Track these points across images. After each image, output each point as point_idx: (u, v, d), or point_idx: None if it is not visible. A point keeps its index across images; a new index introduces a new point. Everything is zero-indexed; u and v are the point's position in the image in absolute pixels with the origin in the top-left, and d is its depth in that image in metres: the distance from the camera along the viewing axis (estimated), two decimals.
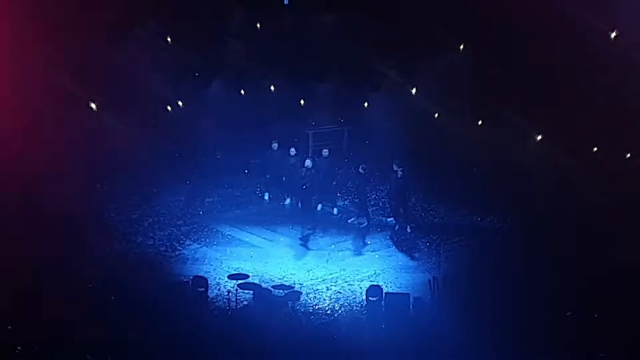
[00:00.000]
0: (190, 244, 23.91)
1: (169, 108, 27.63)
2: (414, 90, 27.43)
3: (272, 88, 28.60)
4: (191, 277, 21.11)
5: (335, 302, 20.92)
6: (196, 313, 19.93)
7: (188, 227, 24.90)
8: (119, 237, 23.85)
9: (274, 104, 28.97)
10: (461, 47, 26.14)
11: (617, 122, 24.70)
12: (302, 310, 20.44)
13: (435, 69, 26.87)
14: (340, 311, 20.52)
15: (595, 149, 25.42)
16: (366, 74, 27.17)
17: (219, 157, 29.30)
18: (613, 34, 24.27)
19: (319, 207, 26.15)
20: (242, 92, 28.55)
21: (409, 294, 20.53)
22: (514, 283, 20.52)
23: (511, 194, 25.41)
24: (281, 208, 26.58)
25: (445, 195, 26.88)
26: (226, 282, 21.18)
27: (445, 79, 26.95)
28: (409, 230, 24.83)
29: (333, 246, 24.13)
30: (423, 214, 26.15)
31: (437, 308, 20.22)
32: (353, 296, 21.16)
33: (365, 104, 28.92)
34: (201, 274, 21.51)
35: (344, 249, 23.96)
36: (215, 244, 24.00)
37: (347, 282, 21.96)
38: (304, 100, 28.98)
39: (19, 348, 17.69)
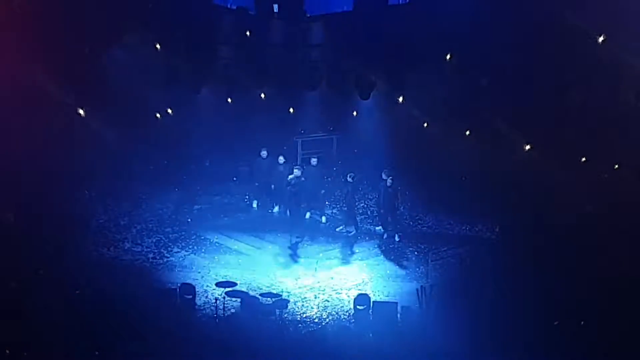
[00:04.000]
0: (178, 251, 23.91)
1: (158, 115, 27.58)
2: (401, 99, 27.39)
3: (262, 96, 28.54)
4: (179, 285, 21.10)
5: (323, 310, 20.93)
6: (184, 320, 19.90)
7: (176, 235, 24.90)
8: (107, 244, 23.81)
9: (263, 111, 28.95)
10: (448, 57, 26.13)
11: (605, 131, 24.75)
12: (290, 318, 20.44)
13: (424, 79, 26.86)
14: (328, 320, 20.53)
15: (583, 158, 25.42)
16: (355, 82, 27.15)
17: (207, 164, 29.27)
18: (601, 38, 24.28)
19: (308, 215, 26.18)
20: (229, 100, 28.52)
21: (396, 302, 20.58)
22: (502, 292, 20.55)
23: (499, 203, 25.45)
24: (270, 216, 26.58)
25: (434, 204, 26.97)
26: (214, 289, 21.16)
27: (434, 88, 26.97)
28: (397, 239, 24.87)
29: (321, 254, 24.14)
30: (411, 223, 26.23)
31: (425, 317, 20.26)
32: (341, 305, 21.17)
33: (355, 113, 28.93)
34: (189, 281, 21.52)
35: (332, 258, 23.99)
36: (203, 252, 24.00)
37: (335, 290, 21.97)
38: (293, 109, 28.99)
39: (7, 351, 17.62)
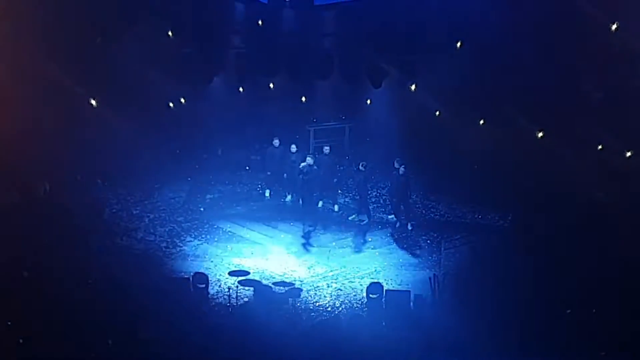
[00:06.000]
0: (191, 241, 23.97)
1: (171, 105, 27.60)
2: (414, 87, 27.29)
3: (272, 85, 28.52)
4: (192, 274, 21.15)
5: (335, 299, 20.97)
6: (197, 309, 19.95)
7: (189, 224, 24.95)
8: (120, 233, 23.86)
9: (275, 100, 28.95)
10: (458, 44, 26.03)
11: (618, 119, 24.65)
12: (303, 307, 20.48)
13: (436, 67, 26.79)
14: (340, 308, 20.56)
15: (600, 147, 25.26)
16: (368, 71, 27.11)
17: (220, 153, 29.29)
18: (614, 26, 24.16)
19: (320, 204, 26.17)
20: (241, 89, 28.53)
21: (409, 291, 20.60)
22: (514, 281, 20.52)
23: (512, 191, 25.38)
24: (282, 205, 26.59)
25: (446, 192, 26.90)
26: (227, 278, 21.21)
27: (447, 76, 26.88)
28: (409, 227, 24.86)
29: (334, 243, 24.16)
30: (424, 211, 26.20)
31: (438, 305, 20.27)
32: (353, 293, 21.21)
33: (368, 101, 28.88)
34: (202, 270, 21.58)
35: (345, 246, 24.01)
36: (216, 241, 24.05)
37: (347, 279, 22.00)
38: (306, 97, 28.96)
39: (21, 340, 17.72)
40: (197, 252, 23.36)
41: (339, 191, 27.02)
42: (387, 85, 27.32)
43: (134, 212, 25.31)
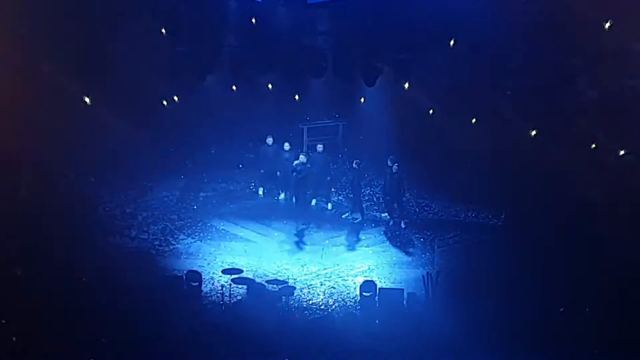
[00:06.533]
0: (185, 239, 23.95)
1: (164, 103, 27.57)
2: (407, 86, 27.27)
3: (269, 86, 28.52)
4: (185, 272, 21.13)
5: (329, 297, 20.97)
6: (190, 308, 19.93)
7: (182, 222, 24.93)
8: (113, 231, 23.83)
9: (269, 99, 28.92)
10: (452, 42, 26.00)
11: (612, 119, 24.67)
12: (296, 305, 20.49)
13: (430, 65, 26.79)
14: (334, 306, 20.57)
15: (593, 145, 25.27)
16: (361, 69, 27.09)
17: (213, 151, 29.27)
18: (607, 24, 24.17)
19: (313, 202, 26.18)
20: (234, 88, 28.50)
21: (402, 289, 20.66)
22: (507, 279, 20.55)
23: (506, 190, 25.39)
24: (275, 203, 26.58)
25: (440, 191, 26.91)
26: (220, 276, 21.20)
27: (441, 75, 26.90)
28: (403, 225, 24.86)
29: (327, 241, 24.16)
30: (417, 210, 26.20)
31: (431, 303, 20.28)
32: (347, 291, 21.21)
33: (362, 100, 28.86)
34: (195, 268, 21.58)
35: (338, 244, 24.01)
36: (209, 239, 24.03)
37: (341, 277, 22.00)
38: (299, 95, 28.93)
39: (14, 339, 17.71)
40: (190, 250, 23.35)
41: (333, 189, 27.01)
42: (381, 83, 27.29)
43: (127, 210, 25.28)
